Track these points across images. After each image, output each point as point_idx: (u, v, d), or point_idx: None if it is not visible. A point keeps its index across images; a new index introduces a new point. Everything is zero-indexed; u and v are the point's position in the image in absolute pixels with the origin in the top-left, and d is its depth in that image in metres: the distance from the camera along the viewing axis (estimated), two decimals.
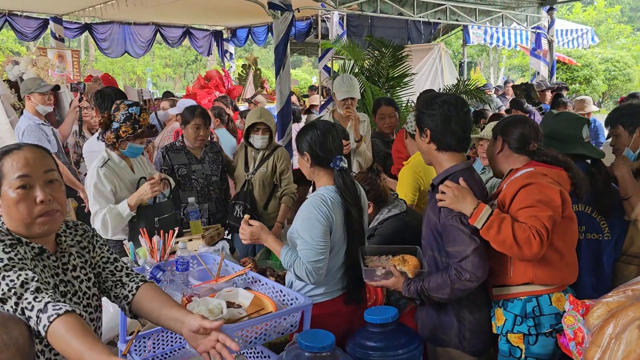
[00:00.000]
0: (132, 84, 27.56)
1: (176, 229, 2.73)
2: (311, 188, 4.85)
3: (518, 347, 2.24)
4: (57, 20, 10.77)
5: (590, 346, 1.87)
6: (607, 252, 2.65)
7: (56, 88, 5.09)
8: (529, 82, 6.34)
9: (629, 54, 19.30)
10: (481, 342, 2.32)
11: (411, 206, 3.37)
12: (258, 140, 4.02)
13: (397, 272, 2.31)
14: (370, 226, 3.02)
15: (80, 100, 5.11)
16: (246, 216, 2.55)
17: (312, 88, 12.61)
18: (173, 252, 2.76)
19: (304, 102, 10.47)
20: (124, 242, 2.84)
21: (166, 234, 2.68)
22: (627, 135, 2.88)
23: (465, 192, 2.17)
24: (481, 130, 3.61)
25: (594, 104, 7.55)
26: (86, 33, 12.04)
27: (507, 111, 5.17)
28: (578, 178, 2.29)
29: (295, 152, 6.08)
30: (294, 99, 7.56)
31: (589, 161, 2.71)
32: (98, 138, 3.24)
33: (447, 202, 2.18)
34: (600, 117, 10.65)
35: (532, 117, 5.89)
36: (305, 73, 27.41)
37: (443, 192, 2.20)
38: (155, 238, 2.61)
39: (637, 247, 2.68)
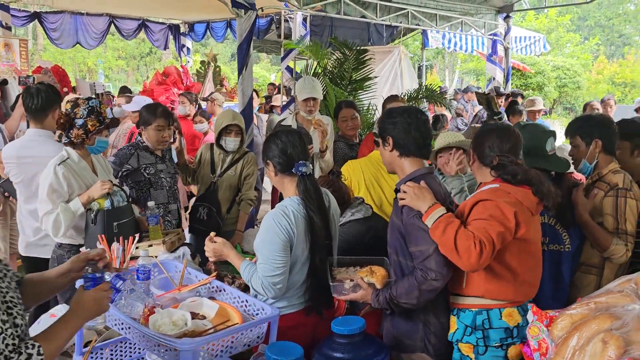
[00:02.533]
0: (82, 75, 26.62)
1: (136, 235, 2.63)
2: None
3: (468, 356, 2.28)
4: (4, 7, 10.18)
5: (555, 357, 1.91)
6: (567, 262, 2.72)
7: (3, 82, 4.84)
8: (490, 94, 6.53)
9: (578, 62, 20.06)
10: (445, 346, 2.36)
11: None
12: (231, 142, 3.97)
13: (365, 284, 2.31)
14: None
15: None
16: (212, 233, 2.54)
17: (273, 85, 12.50)
18: (133, 258, 2.66)
19: (264, 102, 10.34)
20: (80, 249, 2.71)
21: (125, 241, 2.57)
22: (584, 146, 2.88)
23: (425, 191, 2.22)
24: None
25: (544, 110, 7.88)
26: (35, 22, 11.52)
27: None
28: (543, 193, 2.27)
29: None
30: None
31: (553, 173, 2.75)
32: (59, 139, 3.08)
33: (407, 200, 2.23)
34: (550, 122, 11.06)
35: None
36: (263, 70, 27.19)
37: (405, 192, 2.24)
38: (115, 245, 2.50)
39: (595, 258, 2.76)
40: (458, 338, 2.28)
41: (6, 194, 4.14)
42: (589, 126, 2.91)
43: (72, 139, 3.01)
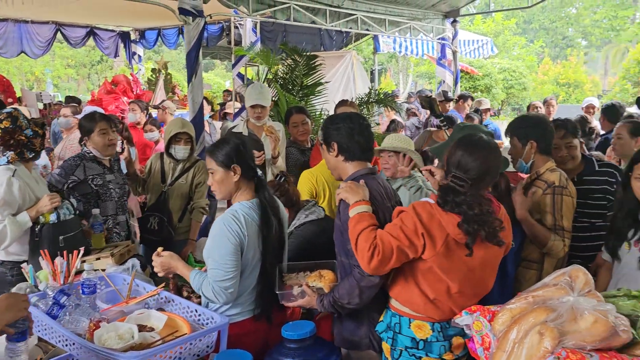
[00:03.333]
0: (30, 85, 25.75)
1: (81, 249, 2.58)
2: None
3: (388, 358, 2.33)
4: None
5: (497, 351, 1.98)
6: (510, 259, 2.80)
7: None
8: (432, 97, 6.72)
9: (523, 64, 20.74)
10: None
11: None
12: (180, 150, 3.95)
13: (310, 291, 2.34)
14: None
15: None
16: (159, 249, 2.52)
17: (228, 92, 12.41)
18: (80, 272, 2.60)
19: (218, 109, 10.25)
20: (22, 265, 2.63)
21: (70, 254, 2.52)
22: (521, 147, 2.98)
23: (362, 188, 2.26)
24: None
25: (493, 110, 8.22)
26: None
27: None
28: (467, 229, 2.11)
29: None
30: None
31: None
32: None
33: (342, 193, 2.27)
34: (499, 123, 11.40)
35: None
36: (218, 77, 26.92)
37: (343, 187, 2.29)
38: (58, 260, 2.44)
39: (536, 254, 2.87)
40: (379, 330, 2.34)
41: None
42: (524, 127, 3.01)
43: (38, 149, 2.98)
